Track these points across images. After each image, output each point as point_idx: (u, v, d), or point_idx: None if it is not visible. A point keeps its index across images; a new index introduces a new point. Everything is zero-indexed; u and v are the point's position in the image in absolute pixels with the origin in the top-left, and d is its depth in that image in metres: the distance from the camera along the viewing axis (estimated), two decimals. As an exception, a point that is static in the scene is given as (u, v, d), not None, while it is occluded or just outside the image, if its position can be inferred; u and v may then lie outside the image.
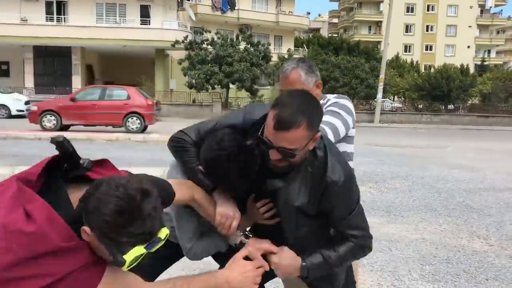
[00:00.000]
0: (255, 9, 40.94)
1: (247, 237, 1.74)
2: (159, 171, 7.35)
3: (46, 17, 30.22)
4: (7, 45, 29.00)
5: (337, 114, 2.12)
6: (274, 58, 31.16)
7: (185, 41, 26.96)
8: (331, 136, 2.02)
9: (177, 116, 25.65)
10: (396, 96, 43.10)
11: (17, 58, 30.11)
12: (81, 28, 28.86)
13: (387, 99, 37.25)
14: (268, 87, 30.51)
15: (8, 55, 30.50)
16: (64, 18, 30.43)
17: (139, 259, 1.33)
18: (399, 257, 4.34)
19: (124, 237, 1.26)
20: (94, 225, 1.26)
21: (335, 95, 2.28)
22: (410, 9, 65.42)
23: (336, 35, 66.69)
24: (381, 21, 63.58)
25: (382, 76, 27.83)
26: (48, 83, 29.72)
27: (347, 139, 2.23)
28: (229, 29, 36.15)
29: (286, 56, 32.36)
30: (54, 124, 15.12)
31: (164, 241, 1.35)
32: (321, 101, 2.16)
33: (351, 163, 2.25)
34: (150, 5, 31.08)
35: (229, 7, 38.42)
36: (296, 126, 1.49)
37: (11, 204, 1.25)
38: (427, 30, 66.10)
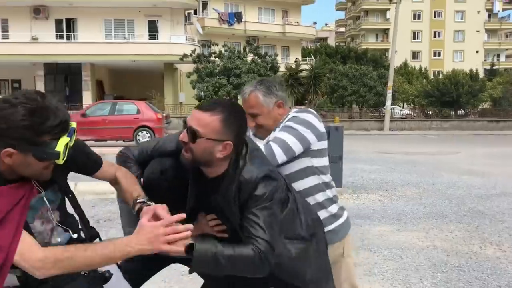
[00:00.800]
0: (261, 21, 41.19)
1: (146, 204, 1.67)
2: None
3: (56, 34, 30.70)
4: (19, 63, 29.47)
5: (292, 129, 2.09)
6: (282, 69, 31.27)
7: (193, 55, 27.20)
8: (280, 153, 2.03)
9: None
10: (405, 103, 42.94)
11: (28, 75, 30.56)
12: (91, 44, 29.26)
13: (397, 106, 37.13)
14: (277, 97, 30.58)
15: (19, 73, 31.00)
16: (74, 35, 30.89)
17: (68, 149, 1.42)
18: (410, 265, 4.32)
19: (46, 135, 1.36)
20: (15, 140, 1.35)
21: (297, 109, 2.25)
22: (417, 15, 65.38)
23: (344, 44, 66.79)
24: (388, 29, 63.58)
25: (390, 83, 27.79)
26: (59, 99, 30.05)
27: (311, 153, 2.16)
28: (236, 41, 36.40)
29: (293, 66, 32.46)
30: (65, 140, 15.26)
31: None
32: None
33: (324, 177, 2.23)
34: (157, 20, 31.44)
35: (236, 19, 38.71)
36: (211, 113, 1.65)
37: None
38: (434, 36, 65.95)
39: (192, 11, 35.60)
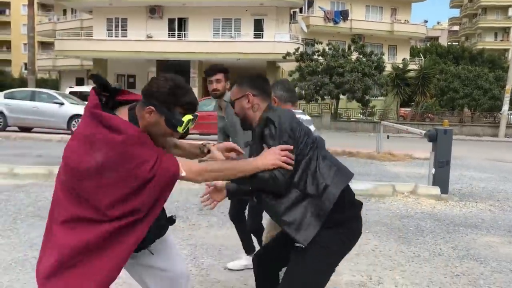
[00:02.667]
0: (368, 19, 40.11)
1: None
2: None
3: (169, 33, 32.58)
4: (135, 59, 31.76)
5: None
6: (388, 68, 30.16)
7: (296, 53, 27.26)
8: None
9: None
10: (525, 108, 39.29)
11: (142, 71, 32.81)
12: (200, 43, 30.62)
13: (515, 112, 34.06)
14: (381, 98, 29.58)
15: (135, 69, 33.42)
16: (185, 34, 32.55)
17: (188, 125, 1.90)
18: (522, 281, 3.94)
19: (179, 107, 1.86)
20: (158, 102, 1.83)
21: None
22: (543, 13, 59.46)
23: (457, 43, 62.77)
24: (509, 27, 58.65)
25: (508, 86, 25.53)
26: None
27: None
28: (341, 40, 35.84)
29: (400, 65, 31.19)
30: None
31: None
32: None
33: None
34: (263, 19, 32.01)
35: (341, 17, 38.12)
36: (232, 89, 2.41)
37: (89, 122, 1.83)
38: None
39: (298, 10, 35.70)
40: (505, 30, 61.76)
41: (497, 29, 63.15)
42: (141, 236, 1.87)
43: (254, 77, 2.39)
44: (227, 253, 4.36)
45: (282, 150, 2.04)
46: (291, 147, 2.07)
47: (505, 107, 25.52)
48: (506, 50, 54.95)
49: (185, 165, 1.88)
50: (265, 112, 2.26)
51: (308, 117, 3.00)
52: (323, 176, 2.15)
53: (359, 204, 2.31)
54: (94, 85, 1.91)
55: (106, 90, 1.92)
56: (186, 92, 1.88)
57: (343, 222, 2.20)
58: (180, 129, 1.86)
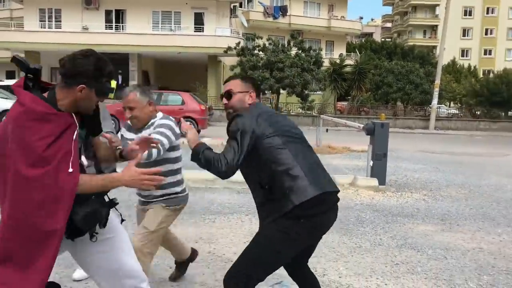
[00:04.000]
0: (306, 15, 40.84)
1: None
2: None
3: (106, 25, 31.53)
4: (70, 52, 30.27)
5: (163, 134, 2.96)
6: (326, 63, 30.92)
7: (237, 48, 27.31)
8: (166, 142, 2.96)
9: (227, 121, 25.94)
10: (452, 102, 41.62)
11: (78, 64, 31.51)
12: (138, 35, 29.86)
13: (443, 105, 36.04)
14: (319, 92, 30.30)
15: (70, 62, 32.04)
16: (122, 26, 31.62)
17: (115, 90, 2.14)
18: (454, 266, 4.23)
19: (105, 77, 2.03)
20: (86, 78, 1.97)
21: (161, 115, 3.13)
22: (468, 12, 63.01)
23: (390, 39, 65.33)
24: (436, 25, 61.67)
25: (437, 81, 27.01)
26: (107, 88, 30.94)
27: (172, 148, 3.09)
28: (281, 35, 36.27)
29: (338, 61, 32.05)
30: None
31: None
32: (151, 120, 3.08)
33: (175, 165, 3.15)
34: (204, 13, 31.74)
35: (281, 13, 38.58)
36: (233, 79, 2.64)
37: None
38: (486, 34, 63.40)
39: (238, 4, 35.70)
40: (433, 28, 64.95)
41: (426, 27, 66.31)
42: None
43: (257, 80, 2.67)
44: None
45: (144, 173, 2.01)
46: (156, 170, 2.11)
47: (435, 101, 26.96)
48: (434, 47, 57.84)
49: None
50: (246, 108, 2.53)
51: (166, 121, 3.21)
52: (288, 184, 2.32)
53: (330, 201, 2.44)
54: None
55: (29, 71, 2.02)
56: (105, 62, 2.05)
57: (306, 215, 2.31)
58: (112, 96, 2.13)
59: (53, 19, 31.52)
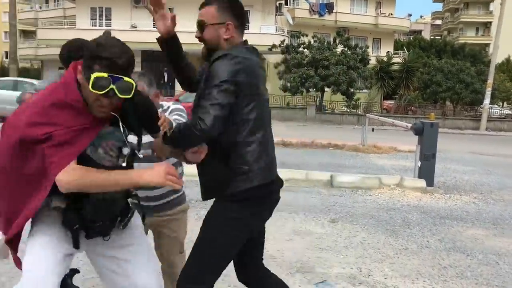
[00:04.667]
0: (353, 12, 40.22)
1: None
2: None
3: (153, 23, 32.10)
4: (119, 50, 31.40)
5: (182, 116, 2.59)
6: (373, 61, 30.32)
7: (281, 45, 27.23)
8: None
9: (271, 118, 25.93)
10: (506, 102, 39.89)
11: (127, 62, 32.43)
12: (186, 33, 30.21)
13: (495, 106, 34.59)
14: (365, 90, 29.75)
15: (119, 59, 33.04)
16: (171, 24, 32.23)
17: (103, 84, 1.66)
18: (507, 272, 4.04)
19: (97, 64, 1.66)
20: (84, 61, 1.72)
21: (171, 102, 2.75)
22: (524, 8, 60.25)
23: (439, 37, 63.35)
24: (490, 22, 59.29)
25: (490, 81, 25.93)
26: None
27: None
28: (326, 32, 35.88)
29: (385, 58, 31.37)
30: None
31: (131, 90, 1.72)
32: (159, 110, 2.53)
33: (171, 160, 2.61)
34: (249, 10, 31.84)
35: (326, 10, 38.15)
36: (208, 6, 2.05)
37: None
38: (544, 31, 60.35)
39: (283, 1, 35.61)
40: (486, 25, 62.46)
41: (479, 24, 63.86)
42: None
43: (237, 3, 2.05)
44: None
45: (169, 173, 1.75)
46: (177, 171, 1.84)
47: (486, 100, 25.90)
48: (487, 45, 55.62)
49: (71, 170, 1.71)
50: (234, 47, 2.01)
51: (179, 106, 2.73)
52: (248, 159, 2.01)
53: (276, 183, 2.17)
54: None
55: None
56: (106, 48, 1.67)
57: (254, 197, 2.05)
58: (90, 86, 1.67)
59: (104, 17, 32.56)
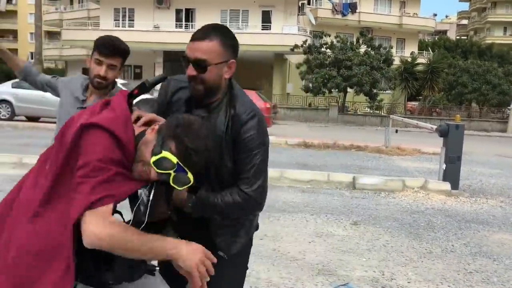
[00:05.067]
0: (377, 12, 39.79)
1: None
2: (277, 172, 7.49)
3: (176, 24, 32.47)
4: (141, 50, 31.64)
5: None
6: (396, 62, 29.93)
7: (304, 45, 27.10)
8: None
9: (292, 119, 25.88)
10: (534, 104, 38.94)
11: (149, 62, 32.73)
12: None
13: (524, 107, 33.79)
14: (389, 91, 29.40)
15: (141, 60, 33.30)
16: (192, 24, 32.42)
17: (166, 166, 1.45)
18: (536, 279, 3.91)
19: (173, 144, 1.45)
20: (166, 126, 1.50)
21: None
22: (554, 7, 58.77)
23: (465, 37, 62.24)
24: (518, 22, 58.01)
25: (518, 81, 25.35)
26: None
27: None
28: (349, 32, 35.58)
29: (409, 59, 30.94)
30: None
31: (184, 185, 1.49)
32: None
33: None
34: (271, 11, 31.82)
35: (350, 10, 37.83)
36: (209, 39, 1.67)
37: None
38: None
39: (306, 1, 35.46)
40: (515, 24, 61.17)
41: (507, 24, 62.50)
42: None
43: (233, 36, 1.77)
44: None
45: (205, 262, 1.43)
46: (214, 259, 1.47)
47: (514, 102, 25.35)
48: (515, 45, 54.40)
49: (99, 214, 1.36)
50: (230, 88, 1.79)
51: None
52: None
53: None
54: None
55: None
56: (193, 137, 1.47)
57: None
58: (153, 158, 1.48)
59: (127, 18, 32.97)
